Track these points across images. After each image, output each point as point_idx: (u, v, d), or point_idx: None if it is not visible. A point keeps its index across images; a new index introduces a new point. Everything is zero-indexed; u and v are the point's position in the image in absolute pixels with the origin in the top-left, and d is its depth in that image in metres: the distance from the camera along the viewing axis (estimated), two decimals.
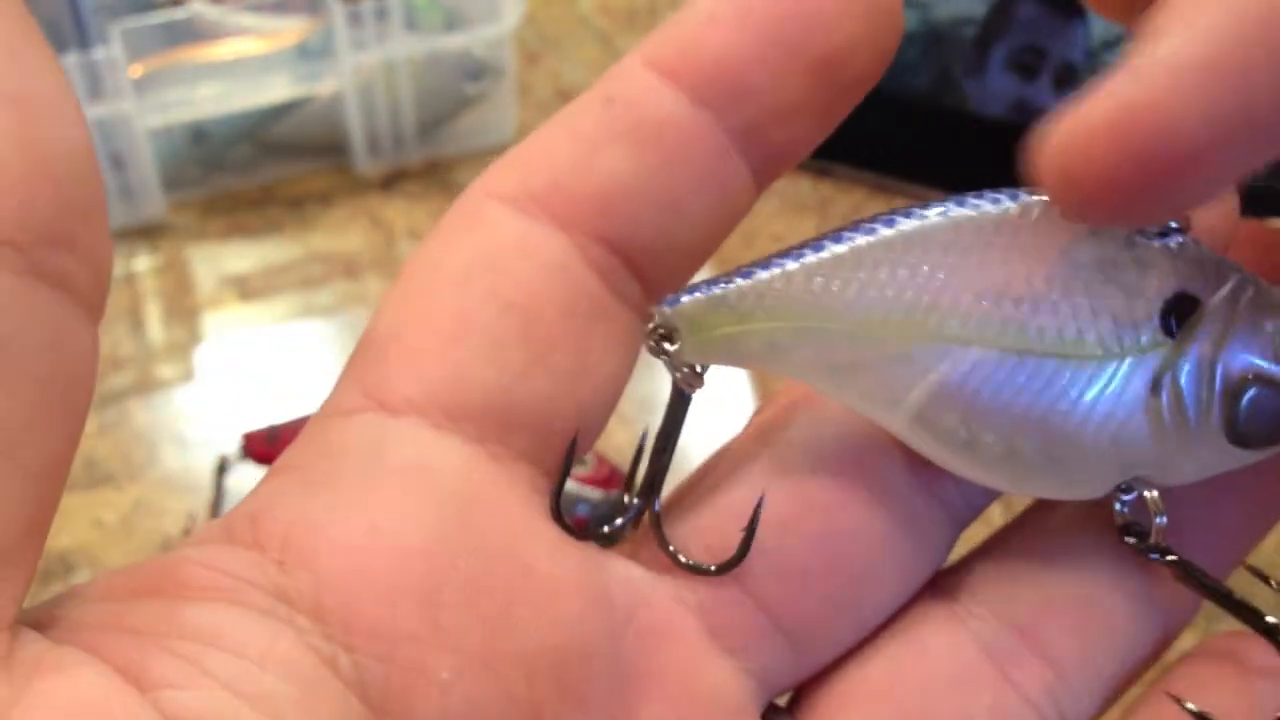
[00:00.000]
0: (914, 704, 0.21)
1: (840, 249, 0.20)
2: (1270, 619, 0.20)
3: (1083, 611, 0.21)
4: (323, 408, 0.21)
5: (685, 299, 0.20)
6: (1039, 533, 0.22)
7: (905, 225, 0.20)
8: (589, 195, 0.20)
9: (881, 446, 0.21)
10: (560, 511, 0.21)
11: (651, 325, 0.21)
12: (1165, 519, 0.20)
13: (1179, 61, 0.16)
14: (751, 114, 0.20)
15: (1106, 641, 0.21)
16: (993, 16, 0.58)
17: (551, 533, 0.20)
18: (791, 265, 0.20)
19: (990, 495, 0.22)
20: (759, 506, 0.21)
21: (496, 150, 0.72)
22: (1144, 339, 0.20)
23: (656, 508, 0.21)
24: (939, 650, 0.21)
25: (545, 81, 0.66)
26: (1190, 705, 0.20)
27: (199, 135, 0.59)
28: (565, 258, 0.20)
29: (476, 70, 0.61)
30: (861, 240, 0.20)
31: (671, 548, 0.21)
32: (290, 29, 0.59)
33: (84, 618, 0.17)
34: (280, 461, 0.20)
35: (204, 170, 0.61)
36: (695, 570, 0.21)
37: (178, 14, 0.57)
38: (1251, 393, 0.20)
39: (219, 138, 0.59)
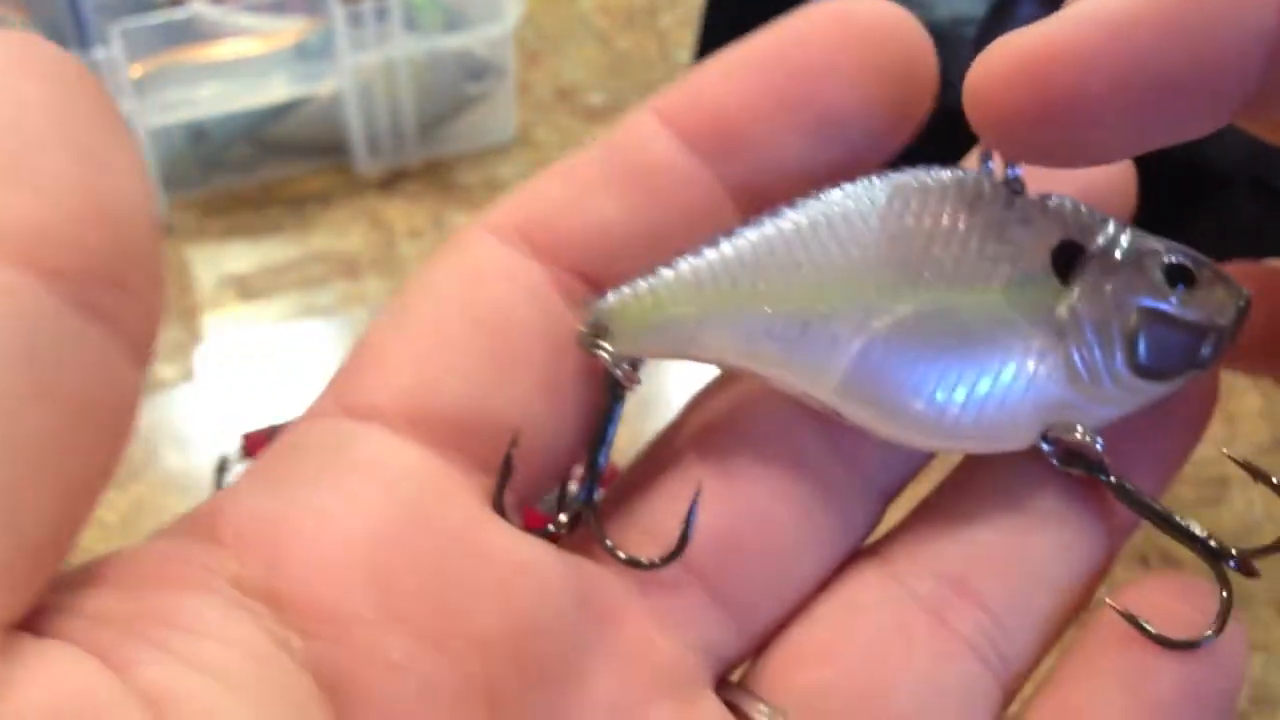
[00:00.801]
0: (857, 661, 0.21)
1: (755, 234, 0.21)
2: (1200, 532, 0.21)
3: (1008, 557, 0.22)
4: (299, 416, 0.22)
5: (613, 295, 0.21)
6: (960, 493, 0.23)
7: (813, 207, 0.21)
8: (572, 232, 0.22)
9: (797, 420, 0.22)
10: (504, 510, 0.21)
11: (584, 323, 0.21)
12: (1102, 444, 0.21)
13: (1093, 15, 0.18)
14: (747, 165, 0.21)
15: (1034, 582, 0.22)
16: (993, 16, 0.58)
17: (503, 524, 0.21)
18: (711, 253, 0.21)
19: (912, 464, 0.23)
20: (694, 503, 0.21)
21: (496, 150, 0.72)
22: (1041, 287, 0.21)
23: (596, 501, 0.22)
24: (876, 607, 0.22)
25: (545, 81, 0.66)
26: (1121, 608, 0.21)
27: (199, 135, 0.59)
28: (542, 287, 0.22)
29: (476, 70, 0.61)
30: (776, 224, 0.21)
31: (609, 543, 0.22)
32: (290, 29, 0.59)
33: (59, 607, 0.18)
34: (248, 468, 0.21)
35: (204, 170, 0.61)
36: (633, 564, 0.22)
37: (178, 14, 0.57)
38: (1146, 327, 0.21)
39: (219, 138, 0.60)
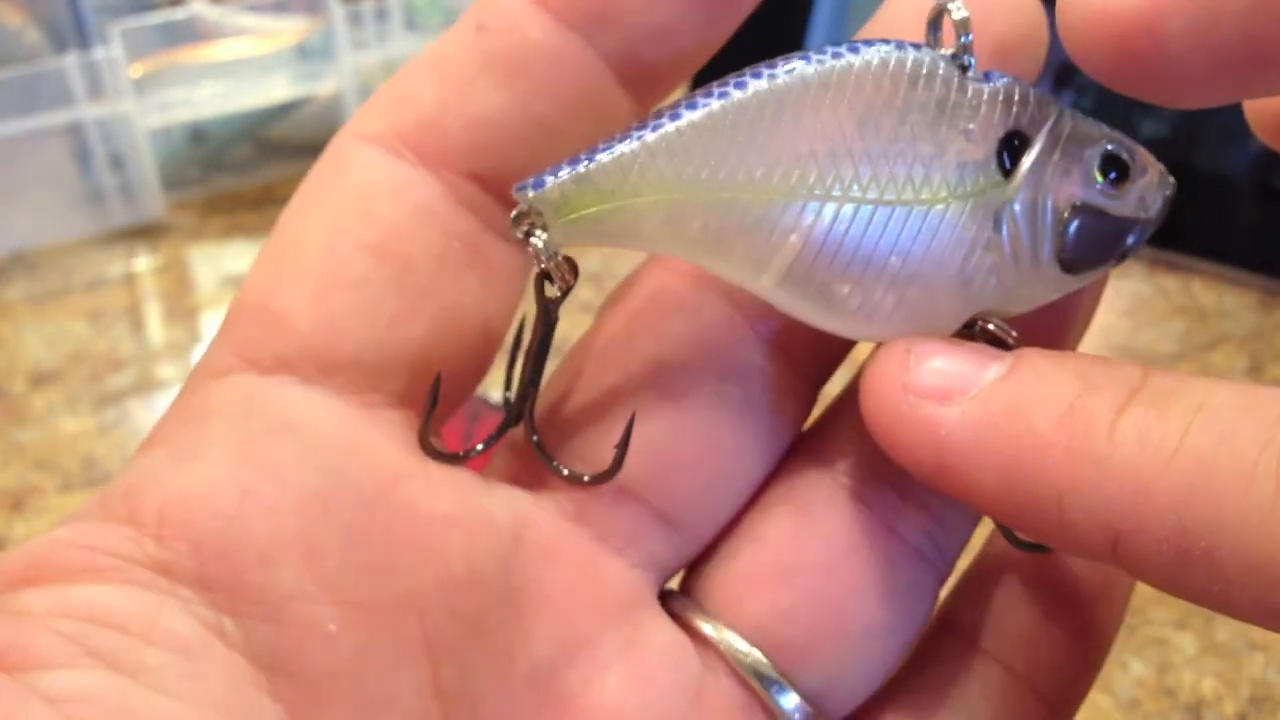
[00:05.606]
0: (813, 581, 0.22)
1: (696, 116, 0.20)
2: None
3: None
4: (194, 371, 0.20)
5: (549, 180, 0.19)
6: None
7: (756, 87, 0.20)
8: (457, 132, 0.20)
9: (725, 318, 0.22)
10: (429, 441, 0.20)
11: (516, 211, 0.20)
12: (1015, 334, 0.21)
13: None
14: (623, 36, 0.20)
15: None
16: None
17: (427, 471, 0.20)
18: (650, 136, 0.20)
19: (846, 347, 0.23)
20: (631, 420, 0.21)
21: None
22: (983, 179, 0.21)
23: (531, 418, 0.21)
24: (827, 521, 0.22)
25: None
26: None
27: (199, 135, 0.59)
28: (436, 201, 0.20)
29: None
30: (715, 106, 0.20)
31: (555, 464, 0.21)
32: (290, 29, 0.59)
33: None
34: (153, 432, 0.20)
35: (204, 170, 0.61)
36: (575, 480, 0.21)
37: (178, 14, 0.57)
38: (1077, 221, 0.21)
39: (219, 138, 0.60)
